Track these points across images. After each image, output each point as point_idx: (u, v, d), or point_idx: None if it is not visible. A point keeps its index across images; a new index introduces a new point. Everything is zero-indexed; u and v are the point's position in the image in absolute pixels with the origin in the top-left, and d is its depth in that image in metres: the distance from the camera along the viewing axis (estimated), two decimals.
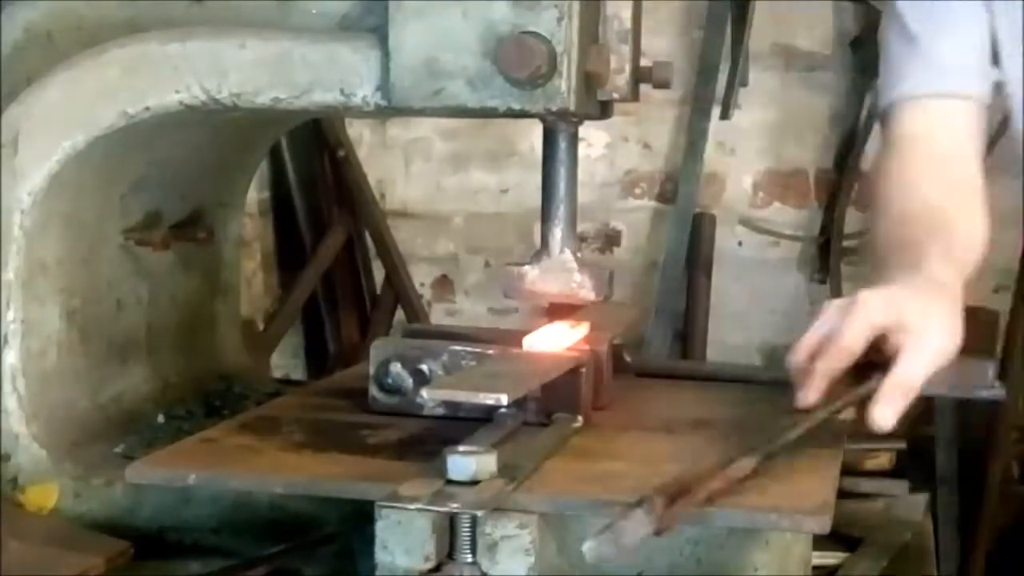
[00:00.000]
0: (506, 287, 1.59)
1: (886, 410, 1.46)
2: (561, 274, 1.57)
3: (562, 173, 1.57)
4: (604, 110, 1.56)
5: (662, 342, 3.77)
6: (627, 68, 1.52)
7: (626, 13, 1.52)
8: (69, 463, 1.56)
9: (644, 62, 1.56)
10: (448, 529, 1.24)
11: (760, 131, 3.92)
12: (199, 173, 1.85)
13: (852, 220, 3.78)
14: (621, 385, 1.66)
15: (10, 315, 1.55)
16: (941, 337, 1.49)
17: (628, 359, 1.76)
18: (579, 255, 1.58)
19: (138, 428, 1.68)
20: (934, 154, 1.80)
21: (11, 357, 1.55)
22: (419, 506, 1.20)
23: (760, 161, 3.92)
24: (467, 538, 1.24)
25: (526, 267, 1.58)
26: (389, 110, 1.48)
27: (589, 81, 1.47)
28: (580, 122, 1.56)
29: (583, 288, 1.57)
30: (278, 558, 1.46)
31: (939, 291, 1.55)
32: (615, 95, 1.53)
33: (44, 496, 1.54)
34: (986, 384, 1.54)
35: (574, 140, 1.57)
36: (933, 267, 1.59)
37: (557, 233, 1.58)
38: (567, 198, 1.57)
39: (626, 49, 1.52)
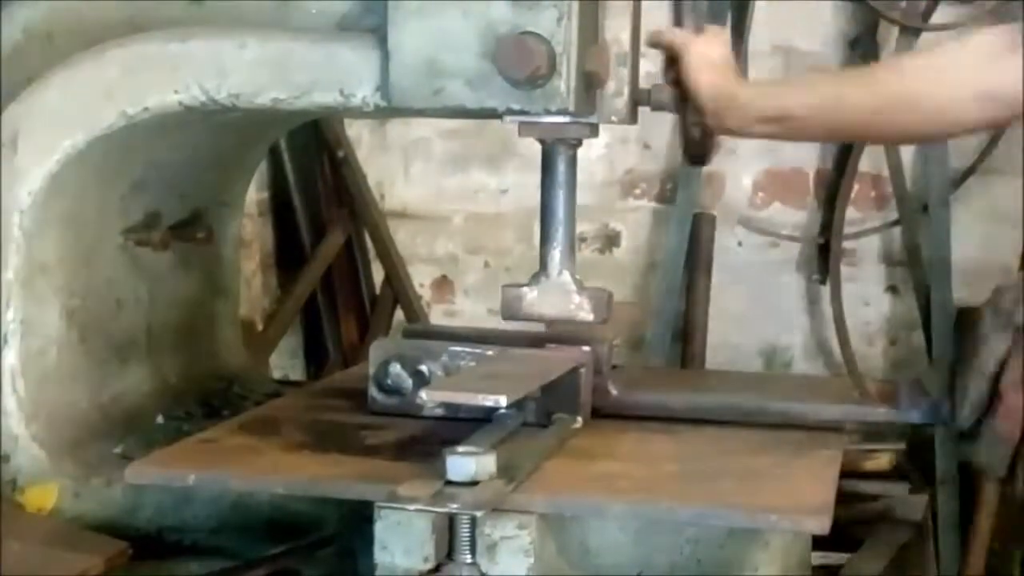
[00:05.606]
0: (506, 309, 1.59)
1: None
2: (560, 296, 1.57)
3: (560, 197, 1.57)
4: (595, 129, 1.57)
5: (662, 342, 3.76)
6: (626, 91, 1.53)
7: (625, 36, 1.52)
8: (69, 463, 1.56)
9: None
10: (448, 529, 1.24)
11: None
12: (199, 173, 1.85)
13: (852, 220, 3.76)
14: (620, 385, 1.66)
15: (10, 315, 1.55)
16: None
17: (614, 391, 1.63)
18: (577, 276, 1.58)
19: (138, 428, 1.68)
20: None
21: (11, 357, 1.55)
22: (418, 507, 1.20)
23: (760, 161, 3.90)
24: (467, 538, 1.24)
25: (525, 289, 1.58)
26: (389, 110, 1.48)
27: (588, 81, 1.47)
28: (579, 144, 1.56)
29: (582, 310, 1.57)
30: (278, 559, 1.46)
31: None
32: (614, 118, 1.54)
33: (44, 496, 1.54)
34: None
35: (573, 162, 1.57)
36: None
37: (556, 255, 1.58)
38: (566, 220, 1.57)
39: (625, 72, 1.52)
